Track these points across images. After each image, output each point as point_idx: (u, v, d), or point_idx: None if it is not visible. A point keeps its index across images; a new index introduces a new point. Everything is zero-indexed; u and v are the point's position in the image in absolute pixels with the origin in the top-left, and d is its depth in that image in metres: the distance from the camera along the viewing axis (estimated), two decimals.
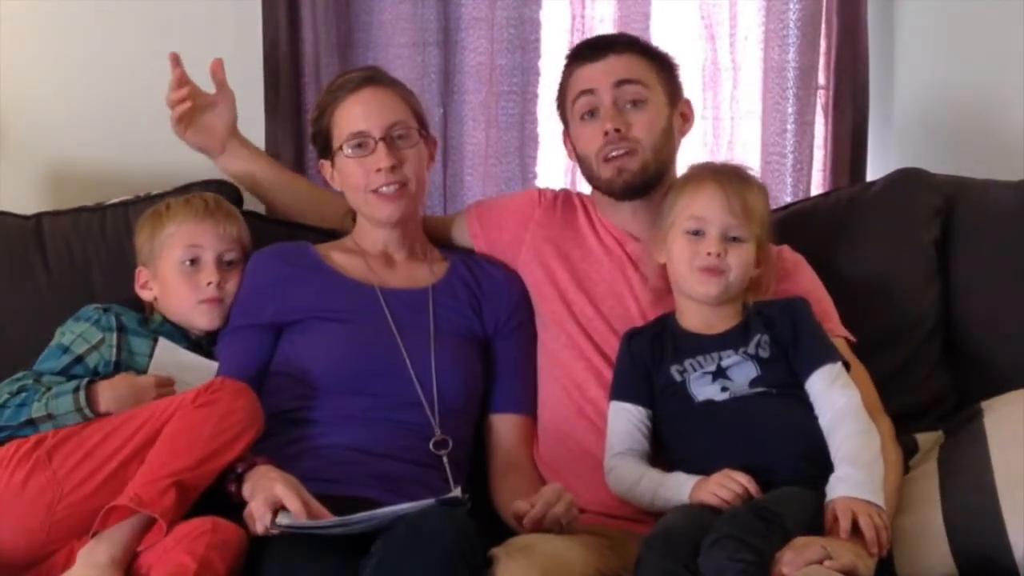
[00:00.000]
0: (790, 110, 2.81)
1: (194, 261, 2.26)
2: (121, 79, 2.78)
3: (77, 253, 2.46)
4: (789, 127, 2.81)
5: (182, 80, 2.42)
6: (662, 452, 2.13)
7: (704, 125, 2.86)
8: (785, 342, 2.09)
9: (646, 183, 2.26)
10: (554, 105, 2.39)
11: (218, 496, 1.98)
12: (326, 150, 2.34)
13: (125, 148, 2.77)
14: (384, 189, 2.26)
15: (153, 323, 2.28)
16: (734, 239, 2.10)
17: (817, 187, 2.85)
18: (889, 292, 2.46)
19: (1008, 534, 2.02)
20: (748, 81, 2.87)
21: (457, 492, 1.90)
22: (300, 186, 2.56)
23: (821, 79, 2.84)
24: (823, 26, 2.81)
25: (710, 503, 1.94)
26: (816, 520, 1.93)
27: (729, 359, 2.09)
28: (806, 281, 2.28)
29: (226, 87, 2.48)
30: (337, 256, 2.34)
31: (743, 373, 2.08)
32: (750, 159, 2.82)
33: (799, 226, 2.45)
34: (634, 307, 2.27)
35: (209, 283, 2.25)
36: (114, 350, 2.19)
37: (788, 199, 2.78)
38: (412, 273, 2.35)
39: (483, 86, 2.81)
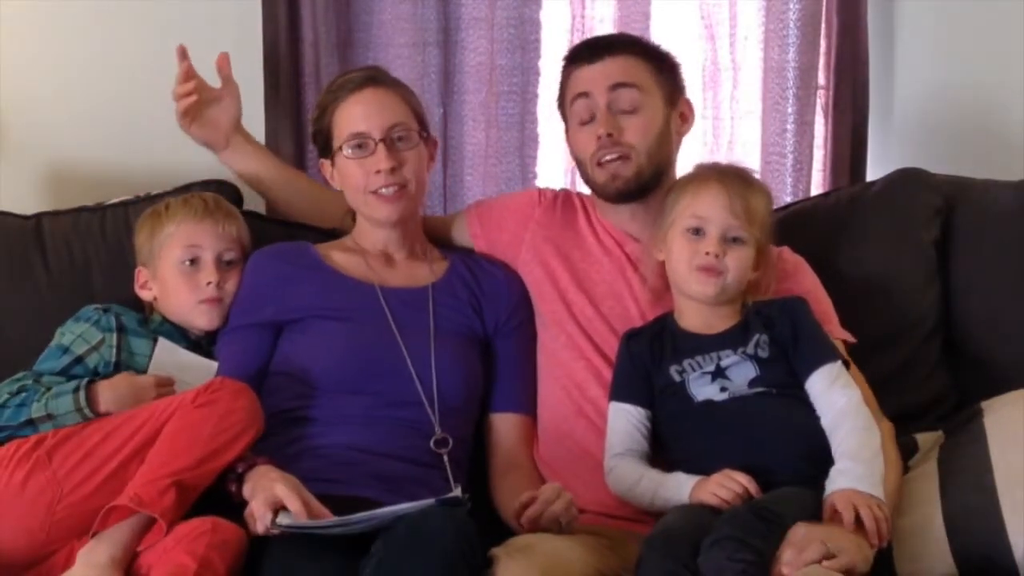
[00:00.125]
0: (790, 110, 2.81)
1: (193, 261, 2.26)
2: (121, 79, 2.78)
3: (77, 253, 2.46)
4: (789, 127, 2.81)
5: (189, 73, 2.40)
6: (662, 452, 2.13)
7: (704, 125, 2.86)
8: (785, 342, 2.09)
9: (640, 188, 2.26)
10: (555, 105, 2.38)
11: (218, 496, 1.98)
12: (326, 149, 2.34)
13: (125, 148, 2.77)
14: (383, 191, 2.26)
15: (153, 323, 2.27)
16: (734, 240, 2.10)
17: (817, 187, 2.85)
18: (889, 292, 2.46)
19: (1008, 534, 2.02)
20: (748, 81, 2.87)
21: (457, 492, 1.90)
22: (302, 183, 2.56)
23: (821, 79, 2.84)
24: (823, 26, 2.81)
25: (710, 503, 1.94)
26: (816, 520, 1.92)
27: (728, 359, 2.09)
28: (806, 282, 2.28)
29: (231, 81, 2.47)
30: (337, 255, 2.34)
31: (742, 373, 2.08)
32: (750, 159, 2.82)
33: (799, 226, 2.45)
34: (633, 308, 2.27)
35: (208, 283, 2.25)
36: (114, 351, 2.19)
37: (788, 199, 2.78)
38: (412, 272, 2.35)
39: (483, 86, 2.81)
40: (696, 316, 2.14)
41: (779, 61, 2.80)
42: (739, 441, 2.02)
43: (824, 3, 2.80)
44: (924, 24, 2.88)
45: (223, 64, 2.46)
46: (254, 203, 2.55)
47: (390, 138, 2.26)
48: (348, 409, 2.17)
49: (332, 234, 2.43)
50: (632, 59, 2.28)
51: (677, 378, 2.10)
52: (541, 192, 2.46)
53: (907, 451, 2.21)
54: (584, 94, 2.27)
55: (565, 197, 2.44)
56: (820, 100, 2.85)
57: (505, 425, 2.32)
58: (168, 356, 2.23)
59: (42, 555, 1.99)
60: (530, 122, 2.84)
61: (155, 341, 2.23)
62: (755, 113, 2.87)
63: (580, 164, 2.32)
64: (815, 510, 1.94)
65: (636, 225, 2.32)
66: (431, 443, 2.18)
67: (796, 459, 2.01)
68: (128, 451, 1.99)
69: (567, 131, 2.36)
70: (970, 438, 2.18)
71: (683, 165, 2.33)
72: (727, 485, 1.94)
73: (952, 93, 2.88)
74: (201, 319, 2.27)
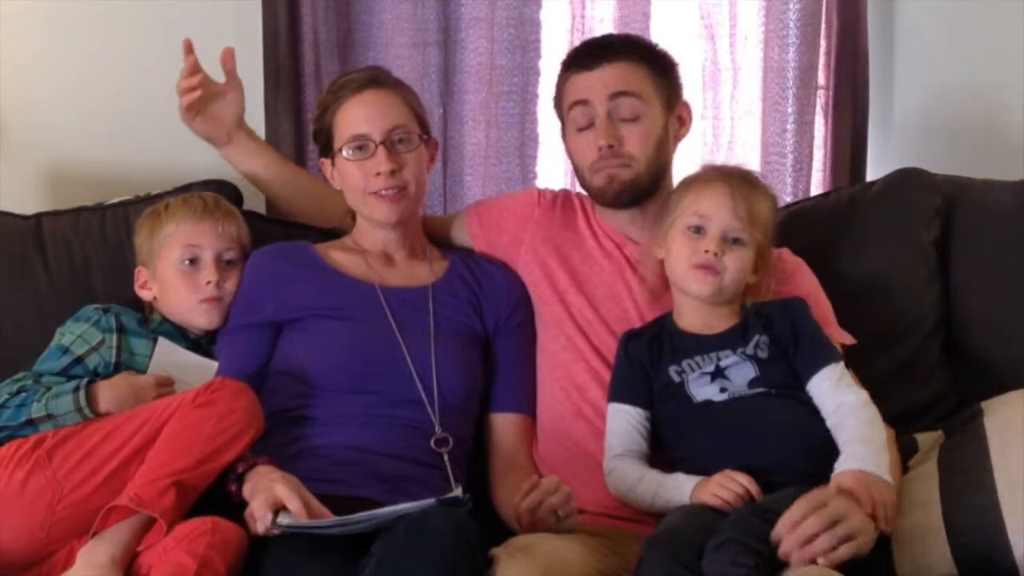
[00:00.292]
0: (790, 110, 2.81)
1: (193, 261, 2.26)
2: (121, 79, 2.78)
3: (77, 253, 2.46)
4: (789, 127, 2.81)
5: (194, 67, 2.39)
6: (662, 453, 2.13)
7: (704, 125, 2.86)
8: (784, 343, 2.09)
9: (636, 194, 2.26)
10: (552, 105, 2.38)
11: (218, 496, 1.98)
12: (327, 149, 2.34)
13: (125, 148, 2.78)
14: (383, 192, 2.26)
15: (153, 323, 2.27)
16: (735, 241, 2.10)
17: (817, 187, 2.85)
18: (889, 292, 2.46)
19: (1008, 534, 2.02)
20: (748, 81, 2.87)
21: (458, 492, 1.90)
22: (303, 181, 2.56)
23: (821, 79, 2.84)
24: (823, 26, 2.81)
25: (711, 504, 1.94)
26: None
27: (728, 359, 2.09)
28: (806, 285, 2.28)
29: (235, 77, 2.45)
30: (337, 255, 2.34)
31: (742, 374, 2.08)
32: (750, 159, 2.82)
33: (799, 226, 2.45)
34: (632, 310, 2.27)
35: (208, 282, 2.25)
36: (114, 351, 2.19)
37: (788, 199, 2.78)
38: (412, 271, 2.35)
39: (483, 86, 2.81)
40: (695, 317, 2.14)
41: (779, 61, 2.80)
42: (739, 441, 2.02)
43: (824, 3, 2.80)
44: (924, 24, 2.88)
45: (227, 59, 2.44)
46: (254, 203, 2.55)
47: (390, 140, 2.26)
48: (348, 409, 2.17)
49: (332, 234, 2.43)
50: (631, 65, 2.26)
51: (676, 379, 2.10)
52: (541, 193, 2.46)
53: (907, 451, 2.21)
54: (583, 101, 2.26)
55: (565, 198, 2.44)
56: (820, 100, 2.85)
57: (505, 425, 2.32)
58: (168, 356, 2.23)
59: (42, 555, 1.99)
60: (530, 122, 2.84)
61: (155, 341, 2.23)
62: (755, 113, 2.87)
63: (578, 169, 2.32)
64: None
65: (635, 228, 2.32)
66: (431, 443, 2.18)
67: (796, 459, 2.01)
68: (128, 451, 1.98)
69: (564, 134, 2.35)
70: (970, 438, 2.18)
71: (682, 166, 2.33)
72: (728, 486, 1.94)
73: (952, 93, 2.88)
74: (201, 319, 2.27)
